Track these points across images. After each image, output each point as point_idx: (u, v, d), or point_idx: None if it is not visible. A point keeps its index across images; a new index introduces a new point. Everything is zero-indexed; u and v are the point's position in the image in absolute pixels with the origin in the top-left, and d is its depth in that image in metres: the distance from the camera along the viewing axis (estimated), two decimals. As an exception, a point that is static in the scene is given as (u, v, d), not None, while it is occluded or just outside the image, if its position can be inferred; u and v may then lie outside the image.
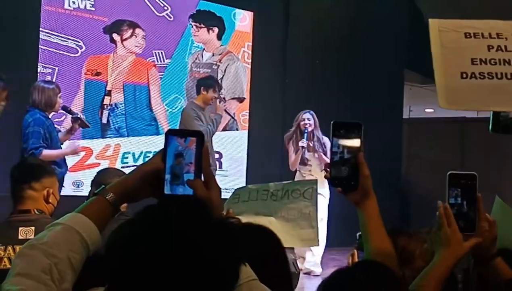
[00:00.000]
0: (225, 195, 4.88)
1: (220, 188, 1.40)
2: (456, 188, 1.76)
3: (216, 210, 1.31)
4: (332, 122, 1.73)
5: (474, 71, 2.03)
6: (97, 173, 3.45)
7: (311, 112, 6.94)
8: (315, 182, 4.96)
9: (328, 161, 6.58)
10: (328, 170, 1.74)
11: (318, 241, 4.66)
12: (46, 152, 5.11)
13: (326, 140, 6.78)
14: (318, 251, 6.81)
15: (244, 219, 4.06)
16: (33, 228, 2.82)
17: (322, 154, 6.79)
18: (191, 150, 1.36)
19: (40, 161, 3.55)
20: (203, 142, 1.38)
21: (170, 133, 1.38)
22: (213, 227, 1.05)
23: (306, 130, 6.78)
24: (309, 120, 6.86)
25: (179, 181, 1.36)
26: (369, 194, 1.73)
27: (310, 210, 4.41)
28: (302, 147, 6.76)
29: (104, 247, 1.06)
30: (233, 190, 4.37)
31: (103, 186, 1.37)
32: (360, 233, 1.79)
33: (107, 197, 1.34)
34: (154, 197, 1.36)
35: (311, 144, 6.84)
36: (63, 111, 5.76)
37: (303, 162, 6.84)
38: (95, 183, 3.25)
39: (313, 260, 6.85)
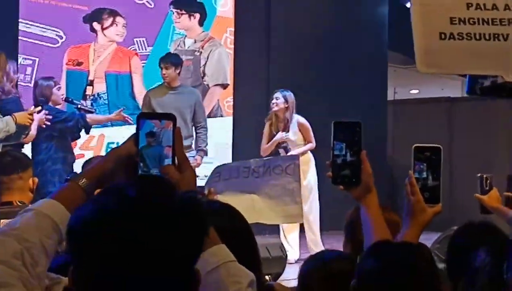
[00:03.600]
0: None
1: (194, 170, 1.40)
2: (422, 163, 1.85)
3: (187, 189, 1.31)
4: (332, 123, 1.80)
5: (452, 31, 2.02)
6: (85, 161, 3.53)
7: (284, 92, 6.47)
8: (296, 157, 4.91)
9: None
10: (330, 169, 1.80)
11: (302, 216, 4.64)
12: (91, 116, 5.70)
13: (298, 120, 6.43)
14: (316, 229, 6.39)
15: (226, 197, 4.06)
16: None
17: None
18: (168, 131, 1.36)
19: (18, 152, 3.54)
20: (175, 124, 1.38)
21: (142, 117, 1.38)
22: (174, 202, 1.04)
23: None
24: (277, 99, 6.41)
25: (152, 163, 1.36)
26: (371, 189, 1.82)
27: (294, 185, 4.40)
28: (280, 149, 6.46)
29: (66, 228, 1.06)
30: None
31: (75, 172, 1.37)
32: None
33: (79, 183, 1.35)
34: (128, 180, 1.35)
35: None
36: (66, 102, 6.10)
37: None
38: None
39: (314, 239, 6.34)
